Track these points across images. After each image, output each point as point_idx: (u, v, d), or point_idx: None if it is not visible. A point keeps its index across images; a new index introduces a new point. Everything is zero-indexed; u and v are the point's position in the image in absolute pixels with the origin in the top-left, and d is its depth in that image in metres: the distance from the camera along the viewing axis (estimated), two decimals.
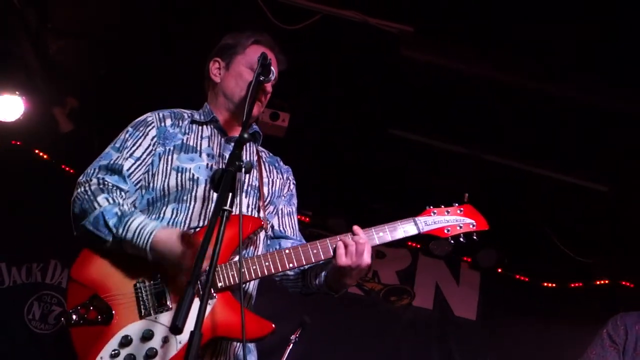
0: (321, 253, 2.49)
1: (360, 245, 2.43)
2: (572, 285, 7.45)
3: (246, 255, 2.55)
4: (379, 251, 7.34)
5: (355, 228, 2.50)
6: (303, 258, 2.47)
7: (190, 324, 1.81)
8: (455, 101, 5.35)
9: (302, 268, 2.63)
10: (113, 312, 2.29)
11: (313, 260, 2.49)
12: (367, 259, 2.44)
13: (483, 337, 7.12)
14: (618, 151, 5.50)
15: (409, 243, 7.34)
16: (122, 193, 2.50)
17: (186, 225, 2.48)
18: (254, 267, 2.43)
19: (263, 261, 2.44)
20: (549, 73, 4.80)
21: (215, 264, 1.91)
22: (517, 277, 7.47)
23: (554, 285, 7.48)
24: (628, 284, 7.31)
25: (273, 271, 2.44)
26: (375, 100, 5.61)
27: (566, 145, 5.58)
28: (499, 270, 7.40)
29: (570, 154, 5.69)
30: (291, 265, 2.46)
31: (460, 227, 2.65)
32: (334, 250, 2.45)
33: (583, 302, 7.29)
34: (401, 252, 7.39)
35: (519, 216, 6.77)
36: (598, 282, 7.39)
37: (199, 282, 2.23)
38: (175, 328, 1.73)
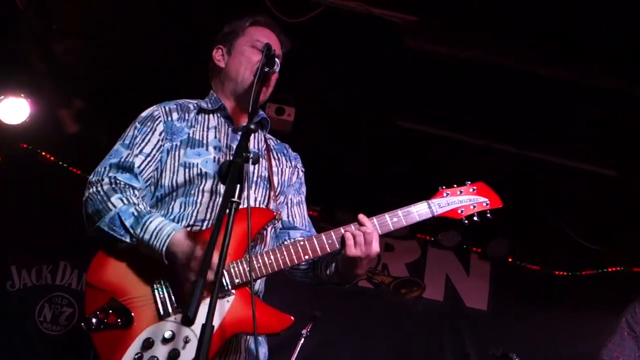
0: (336, 243, 2.47)
1: (367, 235, 2.42)
2: (584, 273, 7.41)
3: (259, 250, 2.52)
4: (387, 244, 7.32)
5: (361, 217, 2.48)
6: (318, 249, 2.46)
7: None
8: (462, 90, 5.30)
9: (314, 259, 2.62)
10: (132, 315, 2.28)
11: (329, 250, 2.48)
12: (375, 247, 2.43)
13: (495, 327, 7.07)
14: (626, 135, 5.46)
15: (418, 235, 7.32)
16: (135, 191, 2.46)
17: (194, 218, 2.46)
18: (269, 260, 2.41)
19: (278, 254, 2.42)
20: (557, 59, 4.75)
21: (225, 256, 1.87)
22: (528, 266, 7.43)
23: (565, 273, 7.43)
24: None
25: (289, 264, 2.43)
26: (382, 92, 5.57)
27: (574, 132, 5.53)
28: (510, 259, 7.37)
29: (578, 140, 5.64)
30: (307, 257, 2.45)
31: (474, 206, 2.62)
32: (343, 242, 2.43)
33: (595, 290, 7.23)
34: (410, 244, 7.36)
35: (529, 205, 6.72)
36: (610, 270, 7.34)
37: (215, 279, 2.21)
38: (187, 319, 1.71)
